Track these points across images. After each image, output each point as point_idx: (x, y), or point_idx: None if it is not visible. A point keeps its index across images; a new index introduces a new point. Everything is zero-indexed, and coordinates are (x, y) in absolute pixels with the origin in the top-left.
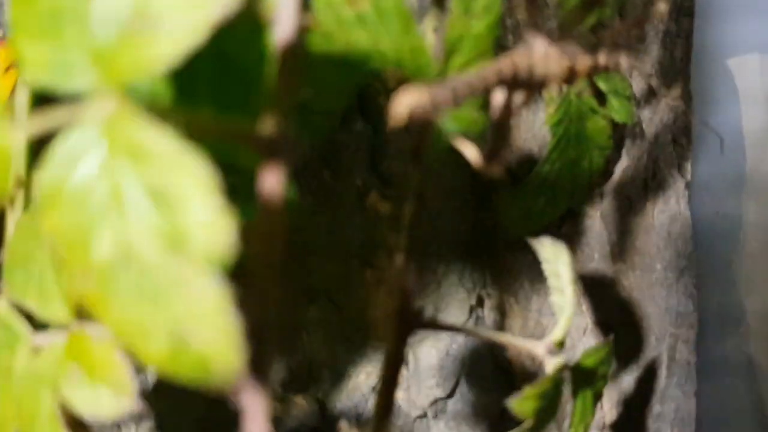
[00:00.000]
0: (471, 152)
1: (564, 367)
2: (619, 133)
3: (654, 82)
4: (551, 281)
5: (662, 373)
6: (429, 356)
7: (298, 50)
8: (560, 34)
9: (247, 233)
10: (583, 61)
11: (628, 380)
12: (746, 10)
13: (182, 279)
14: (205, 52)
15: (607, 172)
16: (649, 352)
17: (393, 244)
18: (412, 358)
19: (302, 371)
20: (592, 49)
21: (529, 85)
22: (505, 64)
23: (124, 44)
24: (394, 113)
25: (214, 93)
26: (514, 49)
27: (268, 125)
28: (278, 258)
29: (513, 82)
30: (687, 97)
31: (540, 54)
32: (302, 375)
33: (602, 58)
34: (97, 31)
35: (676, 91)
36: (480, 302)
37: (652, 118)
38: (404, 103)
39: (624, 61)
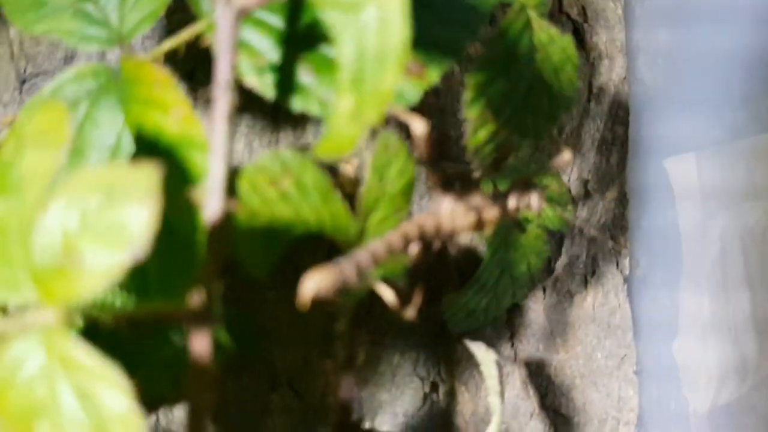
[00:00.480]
0: (388, 296)
1: None
2: (560, 234)
3: (590, 187)
4: (488, 382)
5: None
6: None
7: (223, 230)
8: (473, 184)
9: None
10: (490, 212)
11: None
12: (681, 110)
13: None
14: None
15: (549, 269)
16: None
17: (337, 355)
18: None
19: None
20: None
21: (440, 237)
22: (410, 227)
23: (58, 273)
24: (300, 296)
25: (160, 257)
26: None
27: (195, 297)
28: (207, 409)
29: (422, 239)
30: (623, 198)
31: (446, 212)
32: None
33: (512, 202)
34: (37, 257)
35: (612, 194)
36: (434, 388)
37: (590, 219)
38: (309, 286)
39: (535, 201)
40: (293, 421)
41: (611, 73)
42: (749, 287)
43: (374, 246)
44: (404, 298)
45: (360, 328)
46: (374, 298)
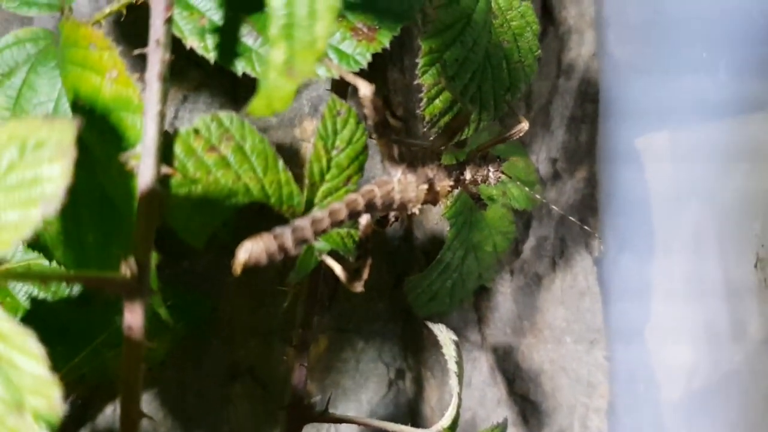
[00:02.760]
0: (337, 269)
1: None
2: (527, 215)
3: (559, 166)
4: (450, 364)
5: None
6: (351, 429)
7: (155, 196)
8: (429, 153)
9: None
10: (444, 183)
11: None
12: (653, 86)
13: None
14: (89, 193)
15: (516, 251)
16: (561, 422)
17: (292, 338)
18: None
19: None
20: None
21: (391, 209)
22: (356, 197)
23: None
24: (236, 260)
25: (96, 223)
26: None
27: (130, 266)
28: (140, 378)
29: (370, 210)
30: (593, 178)
31: (396, 183)
32: None
33: (468, 174)
34: None
35: (581, 173)
36: (400, 375)
37: (559, 199)
38: (242, 253)
39: (492, 175)
40: (255, 410)
41: (581, 49)
42: (724, 271)
43: (316, 214)
44: (353, 272)
45: (324, 315)
46: (339, 284)
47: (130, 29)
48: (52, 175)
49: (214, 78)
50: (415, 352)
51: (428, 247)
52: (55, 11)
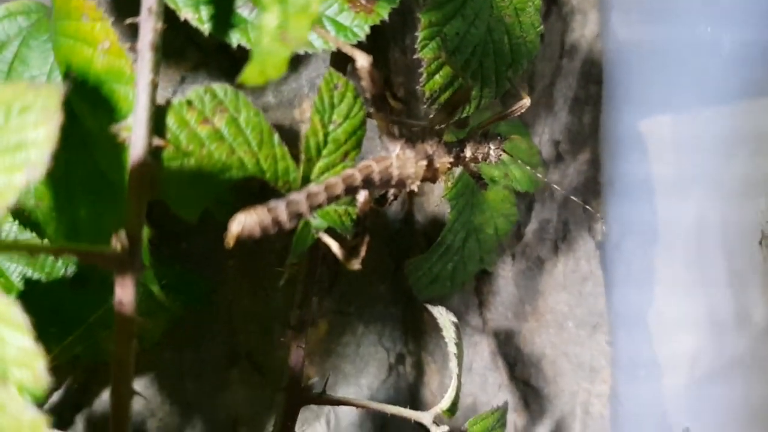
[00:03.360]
0: (334, 247)
1: None
2: (529, 198)
3: (562, 148)
4: (450, 347)
5: (576, 427)
6: (350, 414)
7: (146, 168)
8: (429, 131)
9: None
10: (443, 159)
11: None
12: (657, 68)
13: (3, 404)
14: (81, 166)
15: (518, 235)
16: (563, 407)
17: (290, 320)
18: (333, 417)
19: (226, 429)
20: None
21: (389, 186)
22: (353, 172)
23: None
24: (228, 232)
25: (88, 198)
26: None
27: (120, 239)
28: (131, 355)
29: (368, 186)
30: (596, 161)
31: (395, 159)
32: None
33: (468, 151)
34: None
35: (585, 156)
36: (400, 360)
37: (561, 182)
38: (234, 225)
39: (493, 152)
40: (252, 394)
41: (584, 29)
42: (727, 256)
43: (311, 188)
44: (350, 250)
45: (324, 298)
46: (340, 267)
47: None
48: (37, 139)
49: (212, 58)
50: (415, 336)
51: (429, 229)
52: None
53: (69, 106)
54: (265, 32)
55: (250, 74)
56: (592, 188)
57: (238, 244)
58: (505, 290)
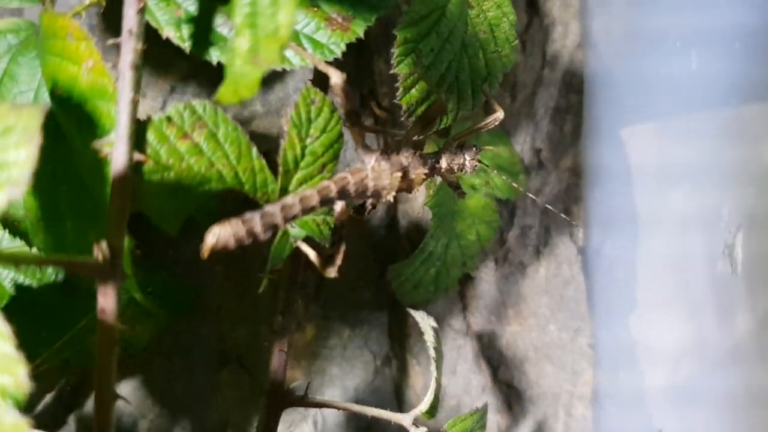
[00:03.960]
0: (311, 255)
1: None
2: (512, 204)
3: (543, 156)
4: (429, 351)
5: (559, 428)
6: (336, 415)
7: (126, 182)
8: (405, 143)
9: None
10: (418, 171)
11: None
12: (638, 79)
13: None
14: (66, 180)
15: (501, 240)
16: (546, 409)
17: (273, 325)
18: (320, 418)
19: (216, 431)
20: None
21: (365, 196)
22: (328, 183)
23: None
24: (204, 244)
25: (73, 210)
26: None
27: (102, 250)
28: (113, 361)
29: (343, 197)
30: (577, 168)
31: (370, 171)
32: None
33: (444, 162)
34: None
35: (566, 163)
36: (386, 362)
37: (543, 189)
38: (210, 237)
39: (469, 163)
40: (242, 397)
41: (565, 40)
42: (709, 262)
43: (286, 200)
44: (327, 258)
45: (311, 304)
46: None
47: (112, 19)
48: (19, 159)
49: (202, 68)
50: (400, 339)
51: (413, 236)
52: (37, 3)
53: (55, 122)
54: (238, 54)
55: (224, 94)
56: (573, 194)
57: (224, 251)
58: (488, 294)
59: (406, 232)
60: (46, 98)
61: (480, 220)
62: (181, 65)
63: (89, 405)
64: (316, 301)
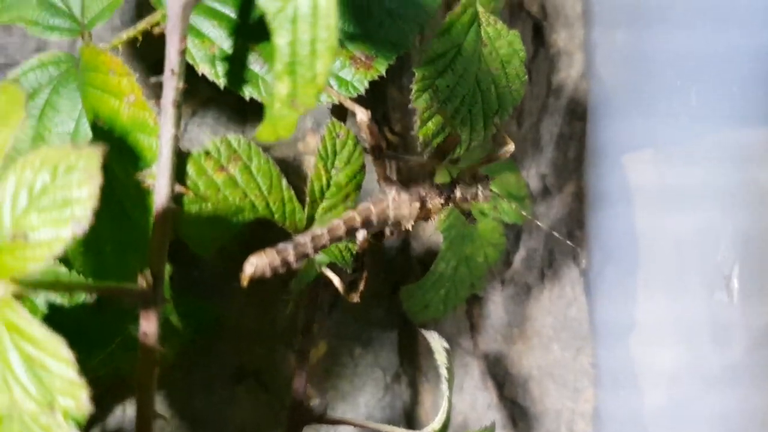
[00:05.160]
0: (336, 281)
1: None
2: (518, 228)
3: (548, 181)
4: (441, 370)
5: None
6: (349, 431)
7: (169, 213)
8: (421, 174)
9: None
10: (435, 201)
11: None
12: (639, 107)
13: (50, 428)
14: (108, 207)
15: (507, 262)
16: (549, 425)
17: (295, 345)
18: None
19: None
20: (452, 183)
21: (386, 225)
22: (353, 214)
23: (7, 248)
24: (243, 273)
25: (114, 236)
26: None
27: (145, 277)
28: (153, 381)
29: (367, 227)
30: (580, 193)
31: (391, 201)
32: None
33: (458, 192)
34: None
35: (569, 189)
36: (396, 380)
37: (548, 213)
38: (248, 267)
39: (481, 193)
40: (258, 411)
41: (570, 70)
42: (707, 288)
43: (315, 231)
44: (350, 284)
45: (324, 321)
46: (339, 293)
47: (145, 50)
48: (81, 197)
49: (222, 94)
50: (410, 357)
51: (424, 257)
52: (76, 36)
53: None
54: (277, 98)
55: (264, 133)
56: (576, 218)
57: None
58: (494, 314)
59: (417, 253)
60: (86, 128)
61: (488, 243)
62: (202, 91)
63: (110, 419)
64: (329, 319)
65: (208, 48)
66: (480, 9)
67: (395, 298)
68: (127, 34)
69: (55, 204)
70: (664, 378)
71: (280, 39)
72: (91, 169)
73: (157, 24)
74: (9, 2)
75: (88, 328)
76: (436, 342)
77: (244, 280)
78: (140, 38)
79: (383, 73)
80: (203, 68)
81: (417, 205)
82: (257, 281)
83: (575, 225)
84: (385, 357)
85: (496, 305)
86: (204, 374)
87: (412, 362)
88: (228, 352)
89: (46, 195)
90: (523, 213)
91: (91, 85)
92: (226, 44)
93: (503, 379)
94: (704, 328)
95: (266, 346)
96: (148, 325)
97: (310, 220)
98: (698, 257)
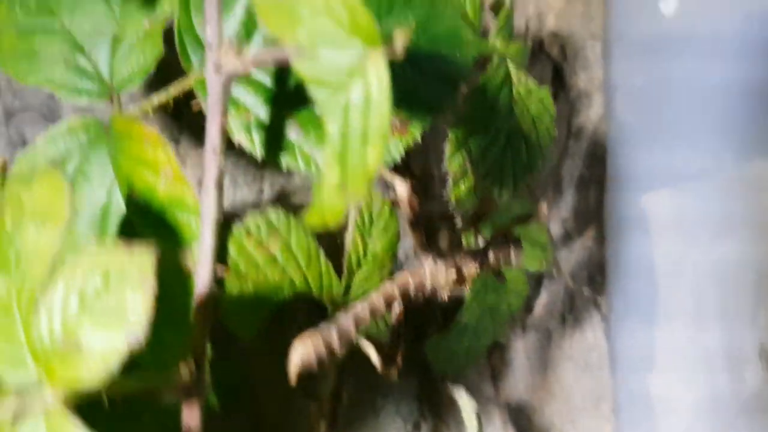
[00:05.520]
0: (373, 356)
1: None
2: (539, 273)
3: (569, 226)
4: (467, 425)
5: None
6: None
7: (211, 298)
8: (456, 241)
9: None
10: (470, 268)
11: None
12: (657, 146)
13: None
14: None
15: (528, 308)
16: None
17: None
18: None
19: None
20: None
21: (423, 295)
22: (392, 288)
23: (59, 355)
24: (291, 364)
25: (154, 324)
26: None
27: (185, 371)
28: None
29: (405, 299)
30: (601, 237)
31: (428, 271)
32: None
33: (492, 257)
34: (38, 338)
35: (590, 232)
36: (417, 428)
37: (569, 258)
38: (295, 359)
39: (513, 257)
40: None
41: (589, 111)
42: (725, 322)
43: (357, 309)
44: (387, 357)
45: (344, 370)
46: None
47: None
48: (137, 302)
49: None
50: (430, 405)
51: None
52: (105, 99)
53: (132, 229)
54: (326, 187)
55: (312, 219)
56: (597, 264)
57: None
58: (516, 361)
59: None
60: (118, 199)
61: (511, 292)
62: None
63: None
64: (349, 368)
65: (243, 116)
66: (510, 66)
67: (416, 345)
68: (158, 98)
69: (109, 311)
70: (686, 418)
71: (331, 127)
72: (145, 274)
73: (192, 95)
74: (36, 63)
75: (117, 406)
76: (465, 401)
77: (293, 375)
78: (171, 103)
79: (418, 138)
80: (239, 137)
81: (453, 272)
82: (273, 331)
83: (596, 270)
84: (406, 405)
85: (518, 352)
86: (222, 427)
87: (433, 410)
88: (246, 405)
89: (99, 301)
90: (545, 261)
91: (125, 155)
92: (261, 112)
93: (525, 428)
94: (727, 383)
95: (284, 397)
96: (192, 417)
97: (347, 290)
98: (719, 311)
